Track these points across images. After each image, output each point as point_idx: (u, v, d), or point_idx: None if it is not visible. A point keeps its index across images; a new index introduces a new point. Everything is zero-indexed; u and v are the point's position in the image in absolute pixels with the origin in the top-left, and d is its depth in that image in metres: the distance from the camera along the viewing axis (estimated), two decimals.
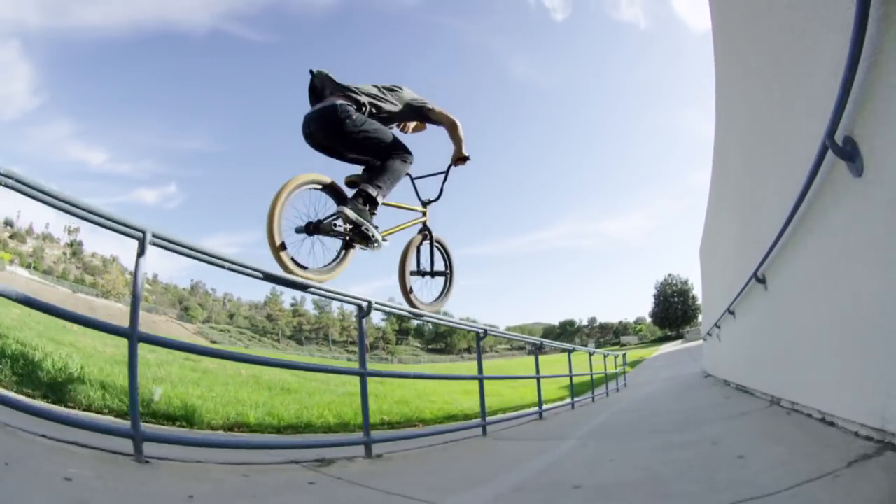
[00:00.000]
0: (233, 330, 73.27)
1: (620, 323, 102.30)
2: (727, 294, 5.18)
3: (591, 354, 8.18)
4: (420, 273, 3.47)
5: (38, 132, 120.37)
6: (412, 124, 3.34)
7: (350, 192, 2.93)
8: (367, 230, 2.83)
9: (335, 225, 2.78)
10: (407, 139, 3.32)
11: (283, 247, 2.59)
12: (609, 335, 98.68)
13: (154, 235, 1.92)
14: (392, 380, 9.01)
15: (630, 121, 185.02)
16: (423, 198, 3.44)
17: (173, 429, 3.60)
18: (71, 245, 75.39)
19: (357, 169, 3.09)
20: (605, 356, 10.29)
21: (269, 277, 2.50)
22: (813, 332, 2.40)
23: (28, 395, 3.53)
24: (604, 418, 4.81)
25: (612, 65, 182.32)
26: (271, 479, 1.99)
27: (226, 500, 1.62)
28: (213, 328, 69.64)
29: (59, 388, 3.94)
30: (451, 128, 3.19)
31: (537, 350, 5.62)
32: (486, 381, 4.08)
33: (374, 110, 2.92)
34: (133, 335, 1.81)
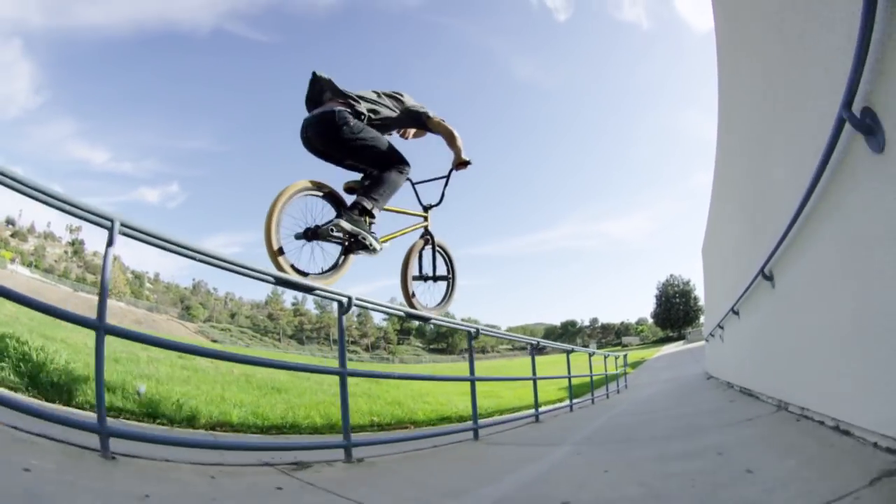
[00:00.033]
0: (234, 329, 73.24)
1: (622, 324, 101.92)
2: (731, 293, 4.99)
3: (590, 355, 8.01)
4: (422, 278, 3.47)
5: (40, 131, 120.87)
6: (412, 131, 3.33)
7: (348, 198, 2.94)
8: (365, 239, 2.85)
9: (332, 231, 2.77)
10: (408, 143, 3.38)
11: (280, 251, 2.61)
12: (611, 336, 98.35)
13: (123, 224, 1.87)
14: (388, 380, 8.85)
15: (632, 122, 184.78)
16: (425, 202, 3.46)
17: (143, 425, 3.46)
18: (72, 244, 75.59)
19: (356, 175, 3.08)
20: (605, 357, 10.11)
21: (229, 265, 2.33)
22: (825, 332, 2.20)
23: (9, 388, 3.42)
24: (602, 422, 4.62)
25: (614, 65, 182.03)
26: (238, 482, 1.90)
27: (182, 503, 1.55)
28: (213, 327, 69.61)
29: (37, 381, 3.81)
30: (449, 138, 3.20)
31: (534, 350, 5.44)
32: (483, 382, 3.91)
33: (372, 117, 2.91)
34: (100, 327, 1.78)
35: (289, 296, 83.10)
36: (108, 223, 1.85)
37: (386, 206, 3.00)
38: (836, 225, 1.93)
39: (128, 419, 3.61)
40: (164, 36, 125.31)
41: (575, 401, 6.60)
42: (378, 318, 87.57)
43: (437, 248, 3.52)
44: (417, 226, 3.40)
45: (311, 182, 2.82)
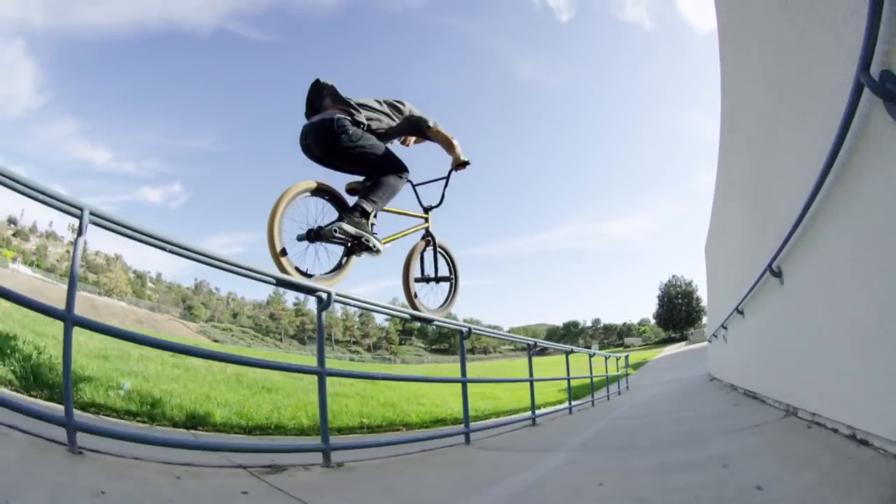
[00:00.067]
0: (235, 329, 73.28)
1: (624, 324, 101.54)
2: (735, 292, 4.81)
3: (591, 356, 7.83)
4: (424, 279, 3.49)
5: (43, 130, 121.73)
6: (412, 138, 3.34)
7: (350, 199, 2.98)
8: (367, 241, 2.88)
9: (335, 233, 2.78)
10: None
11: (283, 252, 2.63)
12: (613, 336, 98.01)
13: (93, 214, 1.83)
14: (383, 381, 8.68)
15: (635, 122, 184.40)
16: (425, 204, 3.46)
17: (119, 421, 3.34)
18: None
19: (357, 176, 3.10)
20: (605, 358, 9.93)
21: (209, 259, 2.26)
22: (840, 330, 2.02)
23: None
24: (601, 426, 4.44)
25: (616, 66, 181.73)
26: (204, 484, 1.80)
27: (138, 502, 1.48)
28: (215, 327, 69.64)
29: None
30: (448, 146, 3.22)
31: (531, 350, 5.26)
32: (480, 383, 3.75)
33: (371, 125, 2.92)
34: (68, 318, 1.73)
35: (290, 296, 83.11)
36: (78, 212, 1.80)
37: (386, 208, 3.03)
38: (854, 212, 1.75)
39: (107, 416, 3.52)
40: (166, 36, 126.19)
41: (575, 403, 6.42)
42: (380, 319, 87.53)
43: (439, 250, 3.53)
44: (419, 227, 3.42)
45: (313, 183, 2.83)
